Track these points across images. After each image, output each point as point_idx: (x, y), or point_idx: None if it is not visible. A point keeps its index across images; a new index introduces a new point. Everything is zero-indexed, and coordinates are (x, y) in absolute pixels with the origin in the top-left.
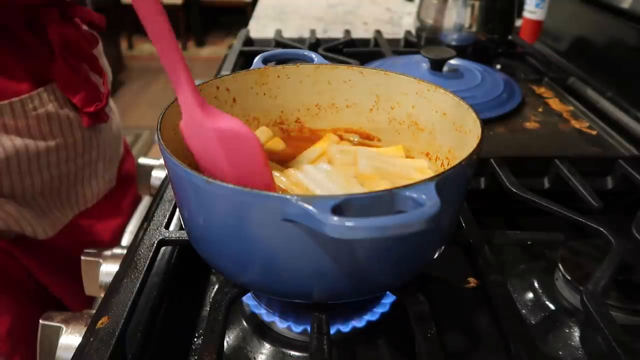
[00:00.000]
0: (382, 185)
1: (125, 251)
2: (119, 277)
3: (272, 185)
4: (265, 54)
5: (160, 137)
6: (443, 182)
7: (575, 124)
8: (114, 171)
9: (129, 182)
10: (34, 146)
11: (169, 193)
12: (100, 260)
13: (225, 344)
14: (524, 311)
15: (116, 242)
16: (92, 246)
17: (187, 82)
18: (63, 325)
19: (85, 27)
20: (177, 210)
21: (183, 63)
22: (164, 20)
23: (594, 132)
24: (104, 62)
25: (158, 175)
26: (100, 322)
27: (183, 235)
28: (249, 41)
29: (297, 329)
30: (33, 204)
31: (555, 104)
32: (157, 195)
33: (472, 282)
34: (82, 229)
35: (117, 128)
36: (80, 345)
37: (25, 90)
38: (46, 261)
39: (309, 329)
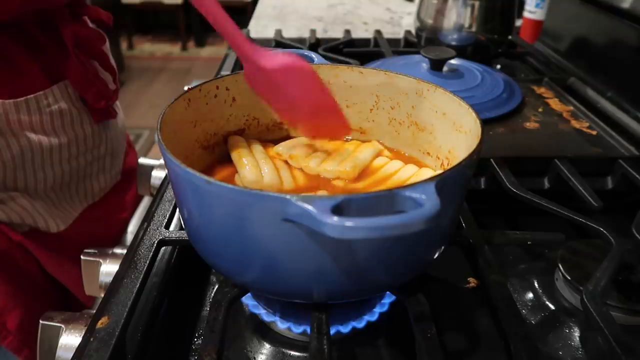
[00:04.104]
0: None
1: (125, 251)
2: (119, 277)
3: (337, 106)
4: None
5: (160, 137)
6: (443, 182)
7: (575, 124)
8: (120, 165)
9: (133, 176)
10: (47, 142)
11: (169, 193)
12: (100, 260)
13: (225, 344)
14: (524, 311)
15: (122, 234)
16: (101, 238)
17: (240, 37)
18: (63, 325)
19: (92, 25)
20: (177, 210)
21: (233, 25)
22: None
23: (594, 132)
24: (112, 60)
25: (158, 175)
26: (100, 322)
27: (183, 235)
28: None
29: (297, 329)
30: (45, 198)
31: (555, 104)
32: (157, 195)
33: (472, 282)
34: (91, 221)
35: (122, 123)
36: (80, 345)
37: (40, 87)
38: (58, 254)
39: (308, 329)
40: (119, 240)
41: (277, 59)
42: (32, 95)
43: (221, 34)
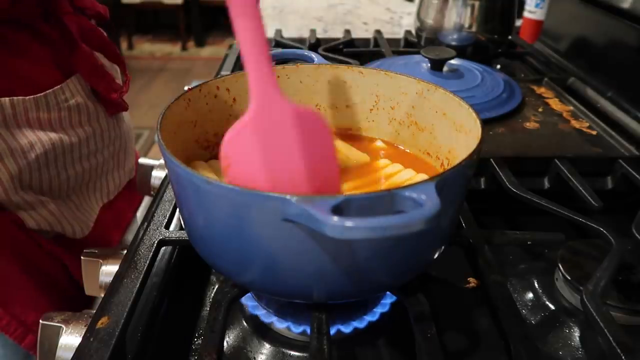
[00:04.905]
0: None
1: (125, 251)
2: (119, 277)
3: (338, 177)
4: None
5: (160, 137)
6: (443, 182)
7: (575, 124)
8: (132, 162)
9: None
10: (68, 139)
11: (169, 193)
12: (100, 260)
13: (225, 344)
14: (524, 311)
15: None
16: (119, 238)
17: (268, 68)
18: (63, 325)
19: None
20: (177, 210)
21: (267, 52)
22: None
23: (594, 132)
24: (118, 50)
25: (158, 175)
26: (100, 322)
27: (183, 235)
28: None
29: (297, 329)
30: (69, 202)
31: (555, 104)
32: (157, 195)
33: (472, 282)
34: (108, 221)
35: (128, 118)
36: (80, 345)
37: (55, 82)
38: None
39: (308, 329)
40: (113, 247)
41: (296, 105)
42: (50, 90)
43: (244, 56)
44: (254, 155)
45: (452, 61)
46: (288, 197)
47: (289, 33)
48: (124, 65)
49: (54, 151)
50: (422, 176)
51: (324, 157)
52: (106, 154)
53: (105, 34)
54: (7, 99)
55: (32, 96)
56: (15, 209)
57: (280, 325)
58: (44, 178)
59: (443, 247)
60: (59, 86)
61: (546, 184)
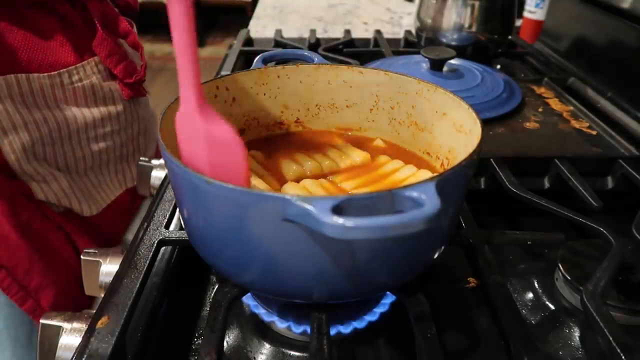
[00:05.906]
0: None
1: (125, 251)
2: (119, 277)
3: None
4: (265, 54)
5: (160, 137)
6: (443, 182)
7: (575, 124)
8: (154, 149)
9: None
10: (82, 117)
11: (169, 193)
12: (100, 260)
13: (225, 344)
14: (524, 311)
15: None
16: (120, 236)
17: (194, 77)
18: (63, 325)
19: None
20: (177, 210)
21: (196, 58)
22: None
23: (594, 132)
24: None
25: (158, 175)
26: (100, 322)
27: (183, 235)
28: (249, 41)
29: (297, 329)
30: (85, 180)
31: (555, 104)
32: (157, 195)
33: (472, 282)
34: (126, 207)
35: (152, 106)
36: (80, 345)
37: (71, 62)
38: (94, 238)
39: (308, 329)
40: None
41: (218, 126)
42: (64, 69)
43: (178, 56)
44: (181, 136)
45: (452, 61)
46: (288, 197)
47: (289, 33)
48: (142, 51)
49: (67, 128)
50: (424, 172)
51: (231, 172)
52: (124, 137)
53: (132, 22)
54: (24, 75)
55: (46, 73)
56: (27, 179)
57: (280, 325)
58: (58, 153)
59: (443, 247)
60: (73, 66)
61: (546, 184)
